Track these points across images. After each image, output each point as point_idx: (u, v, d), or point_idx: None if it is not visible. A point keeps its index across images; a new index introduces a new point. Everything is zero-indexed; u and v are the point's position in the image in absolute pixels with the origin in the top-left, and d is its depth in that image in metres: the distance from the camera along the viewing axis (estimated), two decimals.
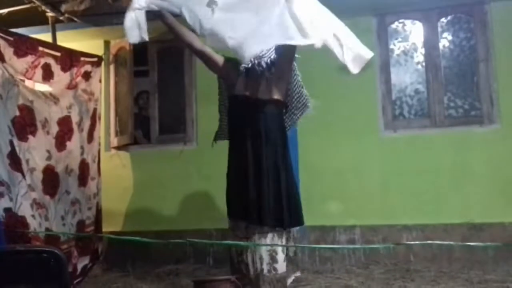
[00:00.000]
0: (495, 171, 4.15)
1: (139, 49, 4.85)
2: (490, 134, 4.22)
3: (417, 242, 4.04)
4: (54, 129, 3.66)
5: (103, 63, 4.45)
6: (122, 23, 4.45)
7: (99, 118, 4.29)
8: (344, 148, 4.45)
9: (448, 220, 4.15)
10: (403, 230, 4.22)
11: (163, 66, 4.97)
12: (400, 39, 4.62)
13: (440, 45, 4.48)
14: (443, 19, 4.50)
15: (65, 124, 3.77)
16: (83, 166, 3.97)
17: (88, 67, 4.13)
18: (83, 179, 3.96)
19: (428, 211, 4.21)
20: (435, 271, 3.81)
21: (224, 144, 4.62)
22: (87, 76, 4.11)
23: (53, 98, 3.71)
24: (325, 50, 4.42)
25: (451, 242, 3.94)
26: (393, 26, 4.61)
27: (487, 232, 4.05)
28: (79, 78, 4.01)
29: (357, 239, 4.31)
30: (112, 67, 4.97)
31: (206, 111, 4.69)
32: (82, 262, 3.93)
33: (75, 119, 3.90)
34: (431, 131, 4.36)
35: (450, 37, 4.53)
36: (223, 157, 4.62)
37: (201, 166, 4.66)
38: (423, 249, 4.03)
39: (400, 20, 4.60)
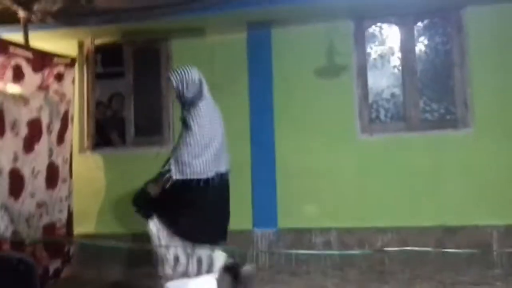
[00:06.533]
0: (468, 174, 4.20)
1: (114, 50, 4.78)
2: (464, 138, 4.27)
3: (394, 249, 4.05)
4: (23, 131, 3.58)
5: (76, 64, 4.37)
6: (95, 24, 4.44)
7: (72, 120, 4.21)
8: (321, 151, 4.46)
9: (422, 222, 4.18)
10: (378, 232, 4.24)
11: (139, 67, 4.90)
12: (377, 43, 4.65)
13: (416, 49, 4.52)
14: (419, 23, 4.54)
15: (34, 126, 3.69)
16: (52, 168, 3.89)
17: (60, 68, 4.05)
18: (52, 181, 3.88)
19: (403, 214, 4.24)
20: (409, 274, 3.84)
21: None
22: (59, 77, 4.03)
23: (23, 100, 3.62)
24: (303, 52, 4.51)
25: (428, 248, 3.97)
26: (371, 30, 4.63)
27: (461, 235, 4.09)
28: (51, 79, 3.93)
29: (333, 241, 4.32)
30: (85, 68, 4.87)
31: None
32: (54, 265, 3.89)
33: (45, 121, 3.82)
34: (407, 135, 4.39)
35: (426, 42, 4.57)
36: None
37: None
38: (398, 251, 4.05)
39: (378, 24, 4.62)
